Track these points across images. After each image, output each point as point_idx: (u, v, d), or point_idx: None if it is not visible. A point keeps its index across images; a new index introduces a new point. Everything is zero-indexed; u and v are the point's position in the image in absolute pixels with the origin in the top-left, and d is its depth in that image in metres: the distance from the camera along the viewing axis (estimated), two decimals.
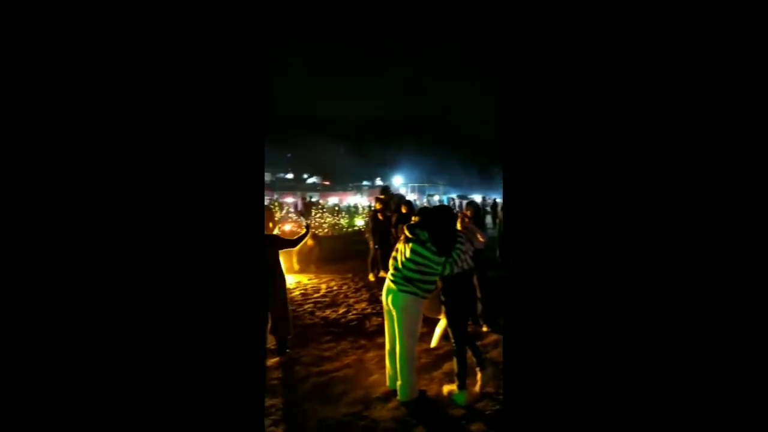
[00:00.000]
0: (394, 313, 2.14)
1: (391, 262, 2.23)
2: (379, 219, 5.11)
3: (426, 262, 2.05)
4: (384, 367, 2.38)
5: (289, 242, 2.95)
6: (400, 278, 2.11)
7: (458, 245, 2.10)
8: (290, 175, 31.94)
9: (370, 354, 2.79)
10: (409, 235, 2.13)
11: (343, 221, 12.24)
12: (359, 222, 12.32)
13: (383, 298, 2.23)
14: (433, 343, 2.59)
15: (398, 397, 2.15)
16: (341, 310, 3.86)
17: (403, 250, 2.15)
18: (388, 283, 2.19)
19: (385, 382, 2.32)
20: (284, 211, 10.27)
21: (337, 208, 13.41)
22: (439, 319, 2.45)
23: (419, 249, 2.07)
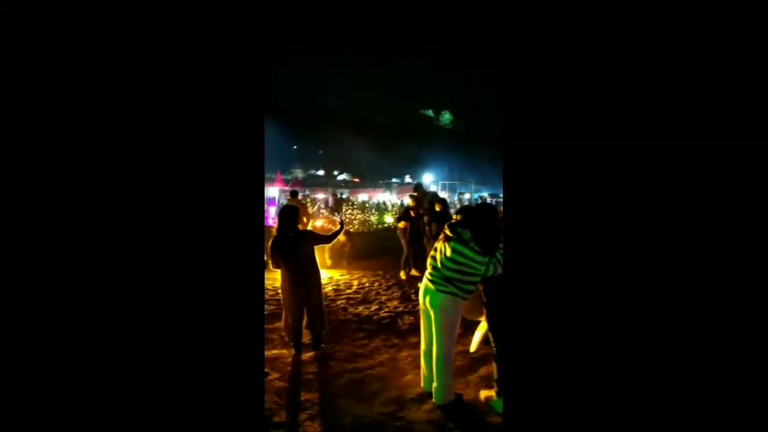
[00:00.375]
0: (431, 314, 2.09)
1: (429, 261, 2.17)
2: (412, 216, 5.05)
3: (468, 262, 1.98)
4: (418, 367, 2.34)
5: (324, 238, 2.96)
6: (439, 278, 2.05)
7: (502, 245, 2.01)
8: (321, 172, 32.54)
9: (403, 353, 2.75)
10: (450, 234, 2.06)
11: (373, 218, 12.28)
12: (389, 219, 12.31)
13: (420, 297, 2.18)
14: (473, 347, 2.50)
15: (433, 400, 2.10)
16: (373, 308, 3.85)
17: (442, 249, 2.08)
18: (425, 283, 2.14)
19: (419, 383, 2.27)
20: (315, 208, 10.45)
21: (367, 205, 13.47)
22: (478, 322, 2.37)
23: (461, 248, 1.99)
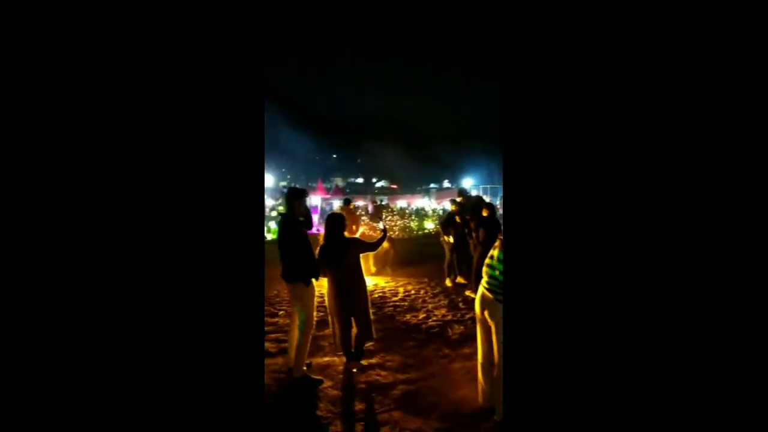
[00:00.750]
0: (491, 325, 1.98)
1: (485, 270, 2.07)
2: (456, 222, 4.92)
3: None
4: (473, 380, 2.23)
5: (370, 245, 2.94)
6: (498, 287, 1.94)
7: None
8: (360, 179, 33.12)
9: (456, 365, 2.65)
10: None
11: (413, 224, 12.19)
12: (429, 225, 12.15)
13: (476, 307, 2.08)
14: None
15: (495, 417, 1.98)
16: (421, 316, 3.77)
17: (500, 257, 1.97)
18: (482, 293, 2.04)
19: (476, 397, 2.16)
20: (356, 215, 10.56)
21: (406, 212, 13.41)
22: None
23: None
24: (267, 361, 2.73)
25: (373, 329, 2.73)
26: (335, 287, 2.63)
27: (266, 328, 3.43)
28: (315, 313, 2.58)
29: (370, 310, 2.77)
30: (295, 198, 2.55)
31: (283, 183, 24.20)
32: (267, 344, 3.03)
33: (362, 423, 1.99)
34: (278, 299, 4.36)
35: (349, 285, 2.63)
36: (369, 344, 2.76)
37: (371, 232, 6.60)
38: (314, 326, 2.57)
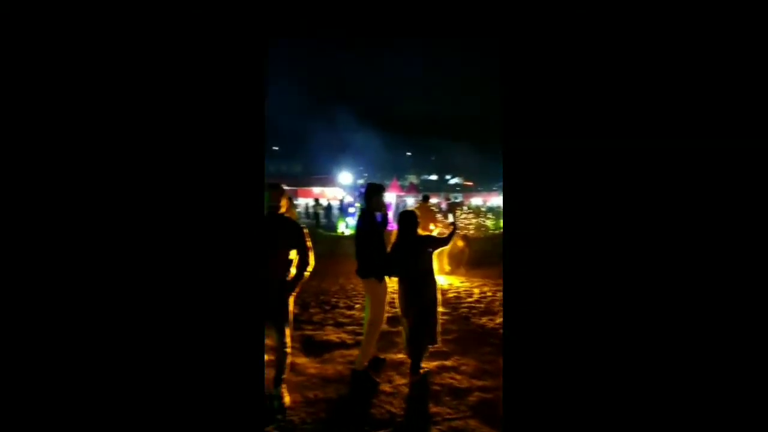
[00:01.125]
0: None
1: None
2: None
3: None
4: None
5: (442, 240, 2.83)
6: None
7: None
8: (434, 177, 32.78)
9: None
10: None
11: (489, 222, 11.61)
12: None
13: None
14: None
15: None
16: (498, 320, 3.55)
17: None
18: None
19: None
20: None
21: (482, 210, 12.85)
22: None
23: None
24: (343, 352, 2.85)
25: (439, 334, 2.58)
26: (406, 286, 2.57)
27: (343, 320, 3.58)
28: (386, 309, 2.59)
29: (439, 312, 2.64)
30: (373, 194, 2.58)
31: (361, 181, 25.16)
32: (344, 335, 3.16)
33: (437, 428, 1.94)
34: (354, 293, 4.52)
35: (418, 283, 2.55)
36: (438, 345, 2.65)
37: (446, 230, 6.45)
38: (384, 321, 2.58)
